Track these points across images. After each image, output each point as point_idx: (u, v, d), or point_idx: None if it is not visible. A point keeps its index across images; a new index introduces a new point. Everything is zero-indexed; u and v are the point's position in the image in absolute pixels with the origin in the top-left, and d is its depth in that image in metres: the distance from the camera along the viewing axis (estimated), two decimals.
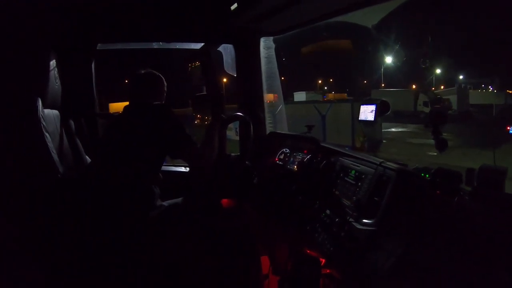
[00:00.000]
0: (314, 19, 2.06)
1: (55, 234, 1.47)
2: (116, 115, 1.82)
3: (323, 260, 1.61)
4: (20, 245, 1.47)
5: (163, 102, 1.79)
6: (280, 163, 2.13)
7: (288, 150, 2.14)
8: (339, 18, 2.03)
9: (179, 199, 1.74)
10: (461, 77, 27.02)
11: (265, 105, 2.53)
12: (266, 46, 2.48)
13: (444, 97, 21.48)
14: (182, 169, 2.35)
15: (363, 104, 1.71)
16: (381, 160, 1.42)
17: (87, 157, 1.92)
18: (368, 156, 1.55)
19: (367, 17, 2.20)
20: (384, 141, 11.97)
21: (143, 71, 1.76)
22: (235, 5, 1.88)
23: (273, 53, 2.50)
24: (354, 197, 1.40)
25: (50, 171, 1.51)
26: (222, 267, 1.62)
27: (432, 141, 1.37)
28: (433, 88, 26.58)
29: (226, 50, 2.55)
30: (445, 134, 1.35)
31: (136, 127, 1.55)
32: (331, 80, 42.34)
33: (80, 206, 1.53)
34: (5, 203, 1.45)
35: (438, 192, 1.24)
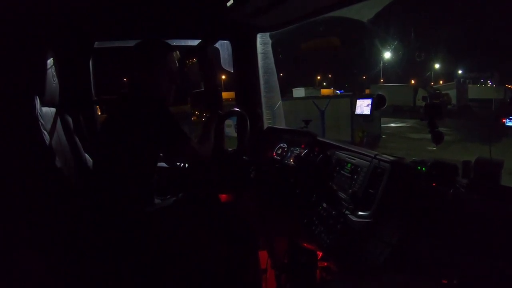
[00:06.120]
0: (310, 14, 2.06)
1: (53, 231, 1.48)
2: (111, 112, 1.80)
3: (320, 253, 1.63)
4: (19, 242, 1.48)
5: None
6: (278, 157, 2.14)
7: (285, 145, 2.16)
8: (336, 13, 2.04)
9: (177, 195, 1.75)
10: (460, 71, 27.05)
11: (263, 101, 2.54)
12: (262, 42, 2.48)
13: (443, 91, 21.50)
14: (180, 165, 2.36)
15: (359, 98, 1.72)
16: (376, 153, 1.43)
17: (86, 155, 1.93)
18: (364, 150, 1.57)
19: (363, 12, 2.20)
20: (383, 136, 12.07)
21: None
22: (231, 1, 1.88)
23: (269, 48, 2.51)
24: (350, 190, 1.41)
25: (48, 168, 1.51)
26: (220, 262, 1.63)
27: None
28: (432, 83, 26.62)
29: (223, 46, 2.55)
30: (444, 129, 1.36)
31: (131, 124, 1.54)
32: (330, 76, 42.44)
33: (78, 203, 1.54)
34: (3, 201, 1.46)
35: (434, 184, 1.25)
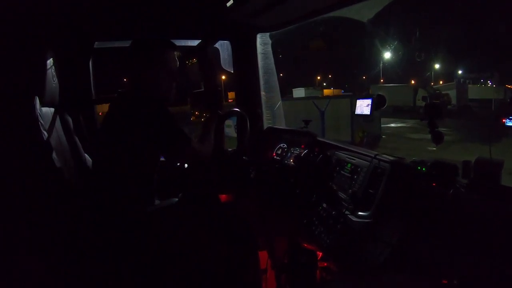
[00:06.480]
0: (310, 14, 2.06)
1: (53, 231, 1.48)
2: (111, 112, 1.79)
3: (320, 253, 1.63)
4: (19, 242, 1.47)
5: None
6: (278, 158, 2.14)
7: (285, 145, 2.16)
8: (336, 13, 2.04)
9: (177, 195, 1.75)
10: (460, 72, 27.07)
11: (263, 101, 2.54)
12: (262, 42, 2.48)
13: (443, 92, 21.50)
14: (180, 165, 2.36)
15: (359, 99, 1.72)
16: (376, 153, 1.43)
17: (86, 155, 1.93)
18: (364, 150, 1.57)
19: (363, 12, 2.20)
20: (383, 136, 12.07)
21: None
22: (231, 1, 1.88)
23: (269, 49, 2.51)
24: (350, 190, 1.41)
25: (48, 168, 1.51)
26: (220, 262, 1.63)
27: None
28: (432, 83, 26.64)
29: (223, 46, 2.56)
30: (444, 129, 1.35)
31: (131, 124, 1.53)
32: (330, 76, 42.46)
33: (78, 203, 1.54)
34: (3, 201, 1.46)
35: (434, 184, 1.25)
